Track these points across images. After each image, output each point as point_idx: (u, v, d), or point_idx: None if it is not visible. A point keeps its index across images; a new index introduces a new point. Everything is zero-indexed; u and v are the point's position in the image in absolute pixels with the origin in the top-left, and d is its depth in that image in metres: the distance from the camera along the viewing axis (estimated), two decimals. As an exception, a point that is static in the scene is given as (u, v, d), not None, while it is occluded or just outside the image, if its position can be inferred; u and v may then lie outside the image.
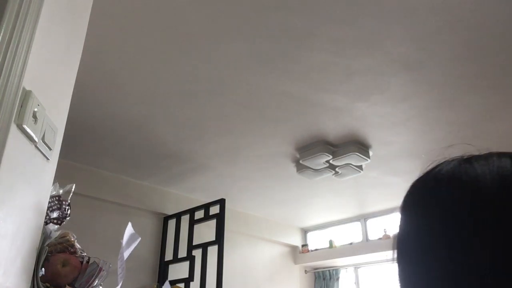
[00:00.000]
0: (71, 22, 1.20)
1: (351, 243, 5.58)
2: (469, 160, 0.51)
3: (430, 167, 0.53)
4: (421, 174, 0.54)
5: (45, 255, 1.00)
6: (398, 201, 0.55)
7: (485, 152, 0.51)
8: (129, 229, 1.23)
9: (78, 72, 1.23)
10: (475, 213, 0.45)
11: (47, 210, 1.06)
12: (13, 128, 0.86)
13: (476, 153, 0.52)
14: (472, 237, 0.44)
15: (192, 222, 4.43)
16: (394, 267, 0.52)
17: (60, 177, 1.18)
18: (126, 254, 1.21)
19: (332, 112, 3.27)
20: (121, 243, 1.19)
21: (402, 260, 0.51)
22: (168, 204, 4.73)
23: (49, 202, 1.08)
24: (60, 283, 1.03)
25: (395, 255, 0.52)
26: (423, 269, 0.48)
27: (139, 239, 1.26)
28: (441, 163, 0.53)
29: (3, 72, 0.85)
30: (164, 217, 4.71)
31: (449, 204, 0.48)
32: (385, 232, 5.22)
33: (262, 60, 2.72)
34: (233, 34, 2.50)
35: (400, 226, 0.53)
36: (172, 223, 4.66)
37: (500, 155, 0.50)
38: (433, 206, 0.50)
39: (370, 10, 2.30)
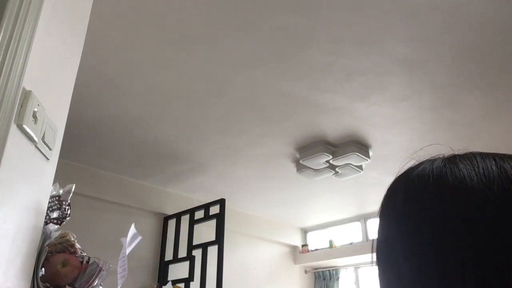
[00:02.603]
0: (71, 22, 1.20)
1: (351, 243, 5.58)
2: (453, 159, 0.49)
3: (408, 166, 0.51)
4: (400, 174, 0.51)
5: (45, 255, 1.00)
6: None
7: (466, 152, 0.50)
8: (132, 230, 1.24)
9: (78, 72, 1.23)
10: (463, 218, 0.44)
11: (47, 210, 1.06)
12: (13, 128, 0.86)
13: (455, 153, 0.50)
14: (458, 243, 0.43)
15: (192, 222, 4.43)
16: (375, 270, 0.50)
17: (60, 177, 1.18)
18: (127, 252, 1.21)
19: (332, 112, 3.27)
20: (122, 243, 1.19)
21: (382, 264, 0.50)
22: (168, 204, 4.73)
23: (49, 202, 1.08)
24: (60, 283, 1.03)
25: (375, 259, 0.51)
26: (402, 276, 0.47)
27: (140, 237, 1.26)
28: (423, 162, 0.51)
29: (3, 72, 0.85)
30: (164, 217, 4.71)
31: (436, 208, 0.46)
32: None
33: (262, 60, 2.72)
34: (233, 34, 2.50)
35: (382, 230, 0.51)
36: (172, 223, 4.66)
37: (483, 155, 0.48)
38: (417, 210, 0.48)
39: (370, 10, 2.30)
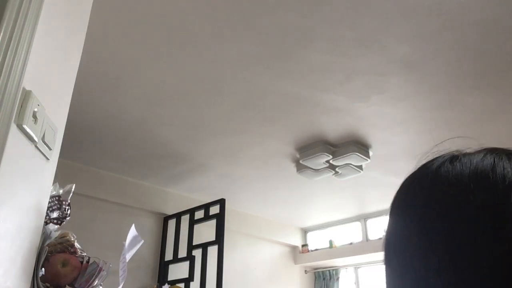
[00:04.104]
0: (71, 22, 1.20)
1: (351, 243, 5.58)
2: (454, 159, 0.50)
3: (423, 162, 0.53)
4: (413, 170, 0.53)
5: (45, 255, 1.00)
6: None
7: (477, 149, 0.51)
8: (132, 231, 1.23)
9: (78, 72, 1.23)
10: (447, 216, 0.45)
11: (47, 210, 1.06)
12: (13, 128, 0.86)
13: (471, 148, 0.51)
14: (442, 241, 0.45)
15: (192, 222, 4.43)
16: (383, 269, 0.52)
17: (60, 177, 1.18)
18: (128, 256, 1.21)
19: (332, 112, 3.27)
20: (123, 245, 1.19)
21: (387, 261, 0.51)
22: (168, 204, 4.73)
23: (49, 202, 1.08)
24: (60, 283, 1.03)
25: (384, 257, 0.52)
26: (403, 271, 0.48)
27: (142, 241, 1.26)
28: (433, 160, 0.52)
29: (3, 72, 0.85)
30: (164, 217, 4.71)
31: (428, 206, 0.48)
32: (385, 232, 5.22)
33: (262, 60, 2.72)
34: (233, 34, 2.50)
35: (388, 227, 0.53)
36: (172, 223, 4.66)
37: (488, 152, 0.49)
38: (415, 207, 0.50)
39: (370, 10, 2.30)
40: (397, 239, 0.50)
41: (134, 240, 1.23)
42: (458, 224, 0.44)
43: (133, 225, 1.27)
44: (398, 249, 0.49)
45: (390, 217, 0.53)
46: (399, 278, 0.48)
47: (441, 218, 0.46)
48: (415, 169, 0.53)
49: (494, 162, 0.46)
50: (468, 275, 0.42)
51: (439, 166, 0.50)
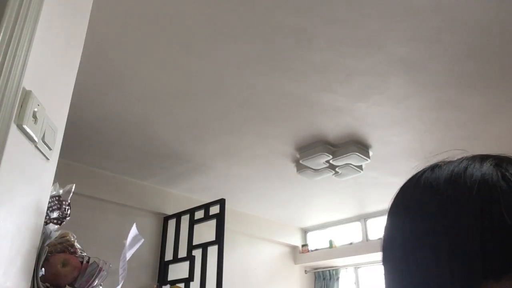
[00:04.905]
0: (71, 22, 1.20)
1: (351, 243, 5.58)
2: (435, 167, 0.54)
3: (415, 171, 0.56)
4: (408, 178, 0.57)
5: (45, 255, 1.00)
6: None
7: (462, 157, 0.54)
8: (133, 230, 1.23)
9: (78, 72, 1.23)
10: (421, 217, 0.50)
11: (47, 210, 1.06)
12: (13, 128, 0.86)
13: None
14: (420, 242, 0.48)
15: (192, 222, 4.43)
16: (381, 269, 0.55)
17: (60, 177, 1.18)
18: (128, 254, 1.21)
19: (332, 112, 3.27)
20: (124, 244, 1.19)
21: (383, 262, 0.54)
22: (168, 204, 4.73)
23: (49, 202, 1.08)
24: (60, 283, 1.03)
25: (381, 257, 0.55)
26: (392, 271, 0.52)
27: (142, 240, 1.26)
28: (419, 170, 0.56)
29: (3, 72, 0.85)
30: (164, 217, 4.71)
31: (409, 210, 0.52)
32: (385, 232, 5.21)
33: (262, 60, 2.72)
34: (233, 34, 2.50)
35: (385, 229, 0.56)
36: (172, 223, 4.66)
37: (466, 158, 0.52)
38: (399, 212, 0.54)
39: (370, 10, 2.30)
40: (388, 242, 0.54)
41: (134, 239, 1.23)
42: (431, 222, 0.48)
43: (135, 224, 1.27)
44: (389, 251, 0.53)
45: (386, 221, 0.57)
46: (392, 277, 0.52)
47: (417, 219, 0.49)
48: (405, 180, 0.57)
49: (468, 164, 0.50)
50: (428, 271, 0.45)
51: (421, 175, 0.54)
